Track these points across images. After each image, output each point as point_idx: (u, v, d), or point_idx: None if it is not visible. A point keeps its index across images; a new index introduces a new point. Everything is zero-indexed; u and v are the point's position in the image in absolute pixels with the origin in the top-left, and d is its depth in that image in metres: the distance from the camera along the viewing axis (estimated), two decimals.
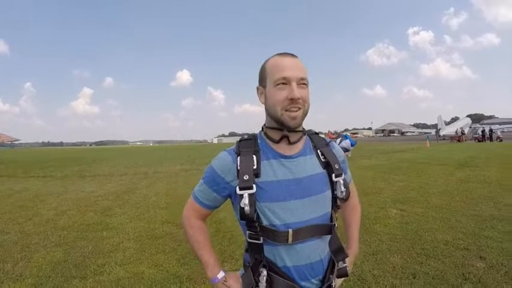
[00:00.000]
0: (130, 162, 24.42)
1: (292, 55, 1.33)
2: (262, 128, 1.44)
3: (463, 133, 47.11)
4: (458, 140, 44.81)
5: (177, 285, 3.78)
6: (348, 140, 20.57)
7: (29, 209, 8.05)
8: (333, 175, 1.38)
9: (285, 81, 1.26)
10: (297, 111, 1.27)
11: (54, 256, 4.78)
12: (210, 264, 1.43)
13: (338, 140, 20.94)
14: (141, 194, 9.94)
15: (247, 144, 1.37)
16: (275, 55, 1.36)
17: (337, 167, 1.40)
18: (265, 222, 1.29)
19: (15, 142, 40.32)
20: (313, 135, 1.48)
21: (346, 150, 19.67)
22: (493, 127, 47.86)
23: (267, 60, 1.37)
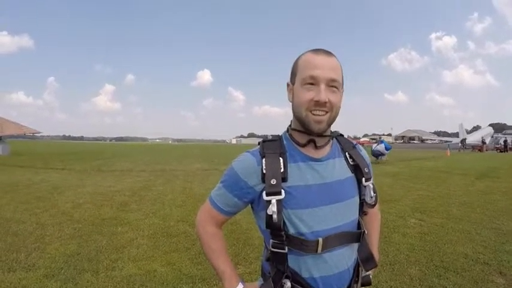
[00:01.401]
0: (148, 159, 24.67)
1: (328, 52, 1.23)
2: (288, 129, 1.34)
3: (484, 142, 46.10)
4: (480, 150, 44.00)
5: (190, 286, 3.74)
6: (382, 144, 21.20)
7: (46, 201, 8.17)
8: (363, 179, 1.30)
9: (313, 81, 1.17)
10: (323, 115, 1.18)
11: (68, 248, 4.81)
12: (226, 274, 1.31)
13: (375, 145, 22.15)
14: (157, 191, 9.97)
15: (273, 146, 1.25)
16: (309, 51, 1.25)
17: (366, 171, 1.32)
18: (292, 231, 1.19)
19: (37, 134, 40.99)
20: (339, 137, 1.40)
21: (380, 154, 21.03)
22: None
23: (300, 56, 1.27)
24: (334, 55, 1.23)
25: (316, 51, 1.22)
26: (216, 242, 1.37)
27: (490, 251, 4.73)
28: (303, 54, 1.26)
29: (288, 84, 1.31)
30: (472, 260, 4.40)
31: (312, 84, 1.17)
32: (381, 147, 21.06)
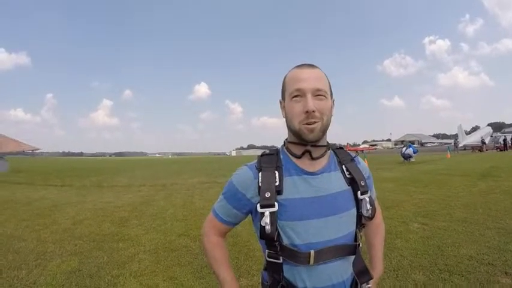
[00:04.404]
0: (148, 174, 24.50)
1: (311, 65, 1.30)
2: (284, 142, 1.39)
3: (484, 142, 46.05)
4: (480, 150, 43.99)
5: None
6: (411, 149, 26.39)
7: (47, 217, 8.15)
8: (358, 192, 1.31)
9: (300, 93, 1.23)
10: (314, 123, 1.22)
11: (69, 265, 4.79)
12: (227, 282, 1.36)
13: (404, 148, 27.49)
14: (158, 205, 9.88)
15: (269, 160, 1.32)
16: (294, 67, 1.33)
17: (362, 184, 1.33)
18: (286, 242, 1.23)
19: (36, 151, 40.94)
20: (338, 149, 1.43)
21: (409, 156, 25.89)
22: None
23: (287, 73, 1.33)
24: (317, 67, 1.30)
25: (300, 66, 1.31)
26: (219, 251, 1.42)
27: (494, 251, 4.70)
28: (289, 71, 1.34)
29: (280, 102, 1.39)
30: (477, 262, 4.36)
31: (299, 96, 1.24)
32: (409, 151, 26.02)
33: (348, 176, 1.34)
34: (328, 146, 1.37)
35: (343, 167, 1.36)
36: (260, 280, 1.43)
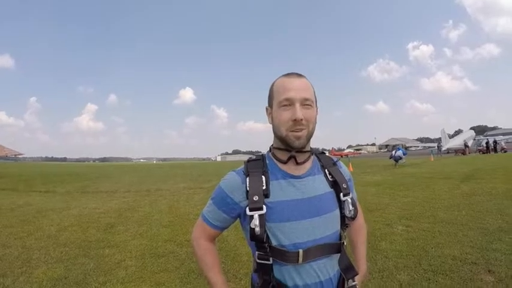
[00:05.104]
0: (133, 180, 24.13)
1: (299, 75, 1.37)
2: (270, 148, 1.46)
3: (467, 146, 46.75)
4: (463, 153, 44.62)
5: None
6: (400, 151, 27.45)
7: (31, 224, 8.03)
8: (341, 194, 1.37)
9: (289, 102, 1.29)
10: (301, 131, 1.29)
11: (55, 272, 4.73)
12: (218, 285, 1.40)
13: (393, 152, 28.19)
14: (144, 211, 9.79)
15: (256, 165, 1.38)
16: (282, 76, 1.39)
17: (344, 186, 1.40)
18: (274, 243, 1.28)
19: (19, 156, 40.51)
20: (320, 154, 1.49)
21: (399, 158, 26.66)
22: (497, 138, 47.57)
23: (274, 81, 1.40)
24: (304, 76, 1.37)
25: (288, 75, 1.38)
26: (209, 256, 1.46)
27: (477, 250, 4.82)
28: (276, 79, 1.40)
29: (266, 109, 1.46)
30: (460, 261, 4.46)
31: (288, 105, 1.30)
32: (399, 153, 26.95)
33: (330, 179, 1.41)
34: (312, 151, 1.43)
35: (326, 170, 1.43)
36: (249, 283, 1.47)
